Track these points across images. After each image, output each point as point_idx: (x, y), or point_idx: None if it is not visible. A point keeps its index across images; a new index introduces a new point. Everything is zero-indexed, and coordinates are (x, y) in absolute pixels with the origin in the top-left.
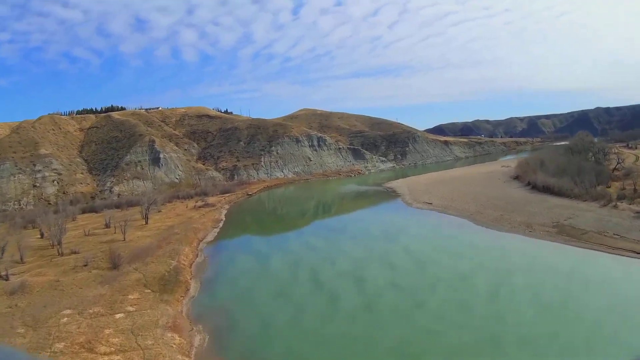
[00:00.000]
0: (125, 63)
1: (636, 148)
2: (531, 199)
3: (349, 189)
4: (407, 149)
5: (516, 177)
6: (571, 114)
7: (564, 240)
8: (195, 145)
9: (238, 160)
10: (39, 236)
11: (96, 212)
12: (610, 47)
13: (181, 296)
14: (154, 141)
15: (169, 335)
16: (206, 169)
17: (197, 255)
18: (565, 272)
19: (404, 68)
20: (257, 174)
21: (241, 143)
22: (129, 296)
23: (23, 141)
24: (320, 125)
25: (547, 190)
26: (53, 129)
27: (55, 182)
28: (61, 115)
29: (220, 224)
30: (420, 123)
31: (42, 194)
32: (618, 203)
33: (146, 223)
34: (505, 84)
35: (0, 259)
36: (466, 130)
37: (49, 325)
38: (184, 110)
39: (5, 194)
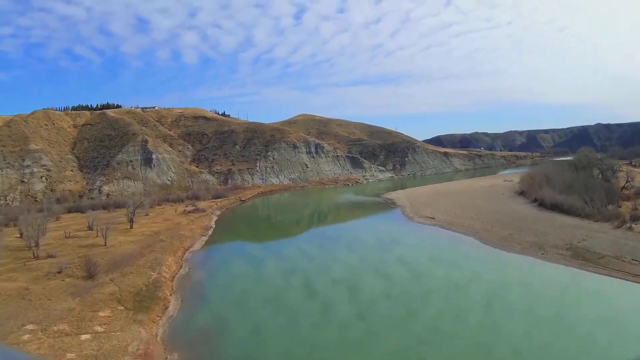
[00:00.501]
0: (126, 63)
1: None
2: (539, 217)
3: (346, 199)
4: (406, 159)
5: (521, 193)
6: (570, 129)
7: (579, 265)
8: (190, 147)
9: (233, 164)
10: (19, 235)
11: (82, 212)
12: (611, 63)
13: (158, 316)
14: (146, 141)
15: None
16: (200, 171)
17: (180, 267)
18: (594, 304)
19: (405, 77)
20: (252, 179)
21: (237, 146)
22: (100, 313)
23: (13, 135)
24: (319, 132)
25: (555, 207)
26: (46, 124)
27: (43, 178)
28: (56, 110)
29: (210, 232)
30: (419, 133)
31: (29, 190)
32: (633, 225)
33: (131, 227)
34: (505, 96)
35: None
36: (465, 142)
37: (8, 341)
38: (180, 110)
39: None
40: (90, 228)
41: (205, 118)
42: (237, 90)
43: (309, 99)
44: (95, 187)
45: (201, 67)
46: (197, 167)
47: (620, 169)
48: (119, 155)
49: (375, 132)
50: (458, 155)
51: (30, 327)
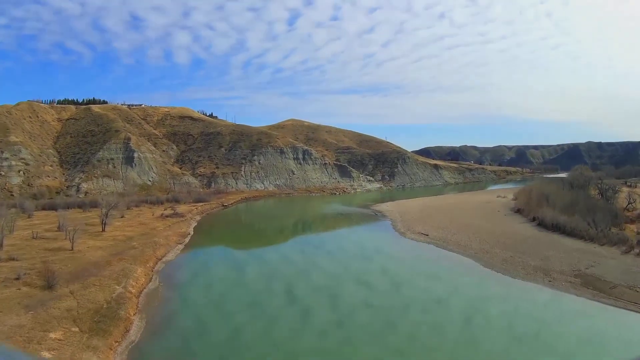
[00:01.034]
0: (117, 60)
1: (636, 186)
2: (541, 239)
3: (333, 209)
4: (395, 169)
5: (517, 211)
6: (561, 146)
7: (591, 295)
8: (175, 147)
9: (217, 167)
10: None
11: (56, 210)
12: (604, 82)
13: (116, 341)
14: (129, 139)
15: None
16: (182, 173)
17: (150, 280)
18: (618, 343)
19: (395, 88)
20: (236, 183)
21: (222, 149)
22: (51, 334)
23: None
24: (307, 138)
25: (556, 228)
26: (30, 117)
27: (21, 172)
28: (41, 103)
29: (187, 239)
30: (407, 144)
31: (5, 184)
32: None
33: (103, 230)
34: (495, 111)
35: None
36: (453, 154)
37: None
38: (167, 109)
39: None
40: (60, 229)
41: (191, 118)
42: (227, 93)
43: (298, 106)
44: (73, 184)
45: (192, 67)
46: (180, 168)
47: (621, 189)
48: (100, 153)
49: (365, 140)
50: (448, 168)
51: None
